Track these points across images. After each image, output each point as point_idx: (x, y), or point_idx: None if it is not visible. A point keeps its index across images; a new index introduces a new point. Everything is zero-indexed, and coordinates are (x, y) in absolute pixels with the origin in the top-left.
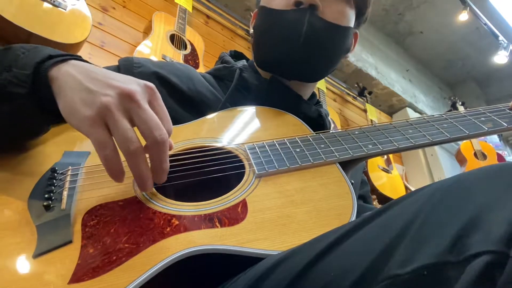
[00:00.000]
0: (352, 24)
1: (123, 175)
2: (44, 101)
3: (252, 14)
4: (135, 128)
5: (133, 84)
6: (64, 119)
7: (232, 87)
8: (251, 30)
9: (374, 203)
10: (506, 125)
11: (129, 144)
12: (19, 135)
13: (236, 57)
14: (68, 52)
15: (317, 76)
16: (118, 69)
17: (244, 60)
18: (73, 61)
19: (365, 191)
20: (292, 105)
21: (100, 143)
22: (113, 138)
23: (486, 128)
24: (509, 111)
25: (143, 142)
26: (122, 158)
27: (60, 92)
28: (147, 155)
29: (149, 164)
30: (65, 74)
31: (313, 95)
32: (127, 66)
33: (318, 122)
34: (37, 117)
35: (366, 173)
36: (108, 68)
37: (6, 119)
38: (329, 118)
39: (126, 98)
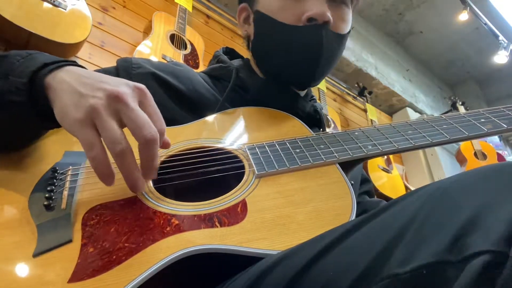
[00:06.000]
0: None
1: (112, 177)
2: (41, 108)
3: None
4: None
5: (122, 86)
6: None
7: (229, 87)
8: (245, 30)
9: None
10: (506, 126)
11: (116, 145)
12: (17, 140)
13: (229, 53)
14: (63, 58)
15: (320, 82)
16: (116, 70)
17: (239, 59)
18: (67, 67)
19: (369, 187)
20: (289, 103)
21: (87, 144)
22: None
23: (486, 129)
24: (508, 112)
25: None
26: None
27: (55, 98)
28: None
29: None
30: (59, 81)
31: (308, 90)
32: (125, 67)
33: (314, 117)
34: (33, 123)
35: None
36: (106, 69)
37: (3, 125)
38: (327, 115)
39: (115, 100)
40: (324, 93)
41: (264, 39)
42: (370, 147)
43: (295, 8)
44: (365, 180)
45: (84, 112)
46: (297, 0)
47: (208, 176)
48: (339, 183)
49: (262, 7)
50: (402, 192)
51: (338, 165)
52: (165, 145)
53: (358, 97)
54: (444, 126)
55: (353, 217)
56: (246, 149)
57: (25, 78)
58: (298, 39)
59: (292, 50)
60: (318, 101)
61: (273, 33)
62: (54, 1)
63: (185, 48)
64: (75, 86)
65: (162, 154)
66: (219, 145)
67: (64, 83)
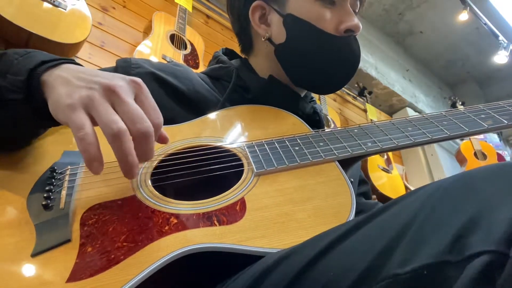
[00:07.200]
0: None
1: (100, 162)
2: (38, 106)
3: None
4: None
5: (117, 80)
6: (55, 119)
7: (230, 87)
8: (265, 31)
9: None
10: (506, 122)
11: (113, 125)
12: (15, 139)
13: (228, 54)
14: (61, 56)
15: None
16: (115, 70)
17: (237, 60)
18: (64, 65)
19: (366, 189)
20: (290, 103)
21: (77, 124)
22: (95, 130)
23: (486, 125)
24: (508, 108)
25: None
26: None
27: (50, 93)
28: None
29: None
30: (56, 77)
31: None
32: (125, 67)
33: (314, 118)
34: (31, 122)
35: (365, 173)
36: (105, 69)
37: (1, 123)
38: (327, 115)
39: (110, 92)
40: None
41: (301, 44)
42: (370, 144)
43: (332, 17)
44: (363, 181)
45: (77, 98)
46: (332, 9)
47: (207, 174)
48: (338, 181)
49: (295, 11)
50: (402, 192)
51: (337, 163)
52: (162, 140)
53: (358, 97)
54: (444, 123)
55: (353, 214)
56: (245, 147)
57: (22, 76)
58: (339, 49)
59: (332, 59)
60: (318, 101)
61: (313, 40)
62: (54, 1)
63: (185, 48)
64: (70, 80)
65: (160, 153)
66: (218, 144)
67: (60, 78)
